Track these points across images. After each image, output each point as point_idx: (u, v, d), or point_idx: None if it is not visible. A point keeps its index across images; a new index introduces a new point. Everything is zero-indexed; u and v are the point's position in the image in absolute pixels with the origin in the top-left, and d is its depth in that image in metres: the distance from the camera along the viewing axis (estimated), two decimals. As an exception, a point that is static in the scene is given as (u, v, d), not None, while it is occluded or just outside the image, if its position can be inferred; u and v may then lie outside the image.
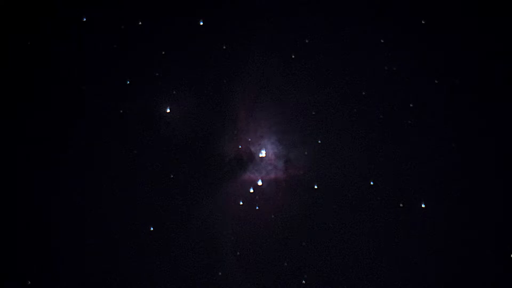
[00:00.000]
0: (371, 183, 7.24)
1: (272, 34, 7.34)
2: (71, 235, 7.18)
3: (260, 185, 7.43)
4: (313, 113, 7.37)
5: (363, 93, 7.31)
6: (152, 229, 7.22)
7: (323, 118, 7.37)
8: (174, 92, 7.43)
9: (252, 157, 7.48)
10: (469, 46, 7.14)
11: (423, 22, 7.19)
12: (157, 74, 7.35)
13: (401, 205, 7.18)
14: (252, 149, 7.49)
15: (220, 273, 7.25)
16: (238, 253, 7.33)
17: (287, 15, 7.37)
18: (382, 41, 7.26)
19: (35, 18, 7.25)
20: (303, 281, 7.20)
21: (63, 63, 7.27)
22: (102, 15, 7.25)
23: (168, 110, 7.40)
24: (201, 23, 7.30)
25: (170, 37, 7.35)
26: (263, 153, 7.47)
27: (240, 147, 7.47)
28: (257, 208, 7.36)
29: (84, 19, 7.20)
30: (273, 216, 7.36)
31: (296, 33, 7.37)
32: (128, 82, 7.31)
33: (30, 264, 7.10)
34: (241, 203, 7.38)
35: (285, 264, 7.25)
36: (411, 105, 7.26)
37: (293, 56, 7.37)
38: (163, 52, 7.32)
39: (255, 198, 7.39)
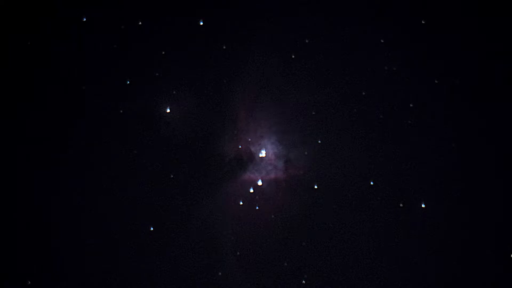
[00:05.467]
0: (371, 183, 7.24)
1: (272, 34, 7.35)
2: (71, 235, 7.18)
3: (260, 185, 7.43)
4: (313, 113, 7.37)
5: (363, 93, 7.32)
6: (152, 229, 7.22)
7: (323, 118, 7.37)
8: (174, 92, 7.43)
9: (252, 157, 7.48)
10: (469, 46, 7.14)
11: (423, 22, 7.19)
12: (157, 74, 7.35)
13: (401, 205, 7.18)
14: (252, 149, 7.49)
15: (220, 273, 7.25)
16: (238, 253, 7.34)
17: (287, 15, 7.37)
18: (382, 41, 7.26)
19: (35, 18, 7.25)
20: (303, 281, 7.20)
21: (63, 63, 7.27)
22: (102, 15, 7.25)
23: (168, 110, 7.40)
24: (201, 23, 7.30)
25: (170, 37, 7.35)
26: (263, 153, 7.47)
27: (240, 147, 7.48)
28: (257, 208, 7.37)
29: (84, 19, 7.20)
30: (273, 216, 7.36)
31: (296, 33, 7.37)
32: (128, 82, 7.32)
33: (30, 264, 7.11)
34: (241, 203, 7.38)
35: (285, 264, 7.25)
36: (411, 105, 7.26)
37: (293, 56, 7.37)
38: (163, 52, 7.32)
39: (255, 198, 7.39)
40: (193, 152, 7.38)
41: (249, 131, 7.48)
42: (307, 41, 7.36)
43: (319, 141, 7.37)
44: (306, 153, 7.41)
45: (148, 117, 7.38)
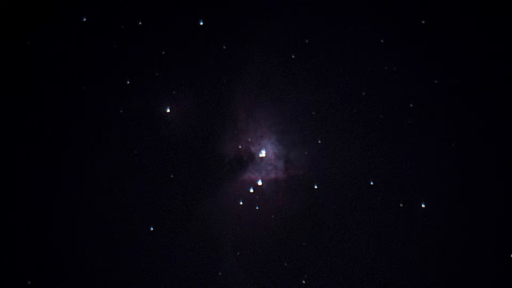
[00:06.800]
0: (371, 183, 7.24)
1: (272, 34, 7.35)
2: (71, 235, 7.18)
3: (260, 185, 7.43)
4: (313, 113, 7.37)
5: (363, 93, 7.32)
6: (152, 229, 7.22)
7: (323, 118, 7.37)
8: (174, 92, 7.43)
9: (252, 157, 7.48)
10: (469, 46, 7.14)
11: (423, 22, 7.19)
12: (157, 74, 7.35)
13: (401, 205, 7.19)
14: (252, 149, 7.49)
15: (220, 273, 7.25)
16: (238, 253, 7.34)
17: (287, 15, 7.37)
18: (382, 41, 7.26)
19: (35, 18, 7.25)
20: (303, 281, 7.20)
21: (63, 63, 7.27)
22: (102, 15, 7.25)
23: (168, 110, 7.40)
24: (201, 23, 7.30)
25: (170, 37, 7.35)
26: (263, 153, 7.47)
27: (240, 147, 7.48)
28: (257, 208, 7.37)
29: (84, 19, 7.20)
30: (273, 216, 7.36)
31: (296, 33, 7.37)
32: (128, 82, 7.32)
33: (30, 264, 7.11)
34: (241, 203, 7.38)
35: (285, 264, 7.25)
36: (411, 105, 7.26)
37: (293, 56, 7.38)
38: (163, 52, 7.32)
39: (255, 198, 7.39)
40: (193, 152, 7.38)
41: (249, 131, 7.49)
42: (307, 41, 7.36)
43: (319, 141, 7.38)
44: (306, 153, 7.41)
45: (148, 117, 7.38)
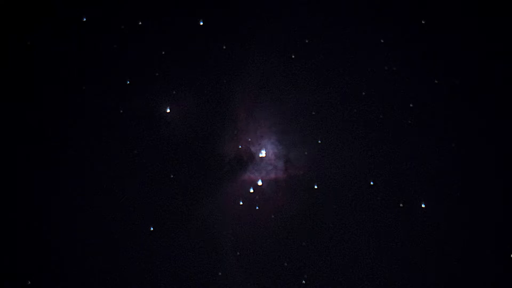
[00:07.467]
0: (371, 183, 7.24)
1: (272, 34, 7.35)
2: (71, 235, 7.18)
3: (260, 185, 7.43)
4: (313, 113, 7.37)
5: (363, 93, 7.32)
6: (152, 229, 7.22)
7: (323, 118, 7.37)
8: (174, 92, 7.43)
9: (252, 157, 7.48)
10: (469, 46, 7.14)
11: (423, 22, 7.19)
12: (157, 74, 7.35)
13: (401, 205, 7.19)
14: (252, 149, 7.49)
15: (220, 273, 7.25)
16: (238, 253, 7.34)
17: (287, 15, 7.37)
18: (382, 41, 7.26)
19: (35, 18, 7.25)
20: (303, 281, 7.20)
21: (63, 63, 7.27)
22: (102, 15, 7.25)
23: (168, 110, 7.40)
24: (201, 23, 7.30)
25: (170, 37, 7.35)
26: (263, 153, 7.47)
27: (240, 147, 7.48)
28: (257, 208, 7.37)
29: (84, 19, 7.20)
30: (273, 216, 7.36)
31: (296, 33, 7.37)
32: (128, 82, 7.32)
33: (30, 264, 7.11)
34: (241, 203, 7.38)
35: (285, 264, 7.25)
36: (411, 105, 7.26)
37: (293, 56, 7.38)
38: (163, 52, 7.33)
39: (255, 198, 7.39)
40: (193, 152, 7.38)
41: (249, 131, 7.49)
42: (307, 41, 7.36)
43: (319, 141, 7.38)
44: (306, 153, 7.41)
45: (148, 117, 7.38)
